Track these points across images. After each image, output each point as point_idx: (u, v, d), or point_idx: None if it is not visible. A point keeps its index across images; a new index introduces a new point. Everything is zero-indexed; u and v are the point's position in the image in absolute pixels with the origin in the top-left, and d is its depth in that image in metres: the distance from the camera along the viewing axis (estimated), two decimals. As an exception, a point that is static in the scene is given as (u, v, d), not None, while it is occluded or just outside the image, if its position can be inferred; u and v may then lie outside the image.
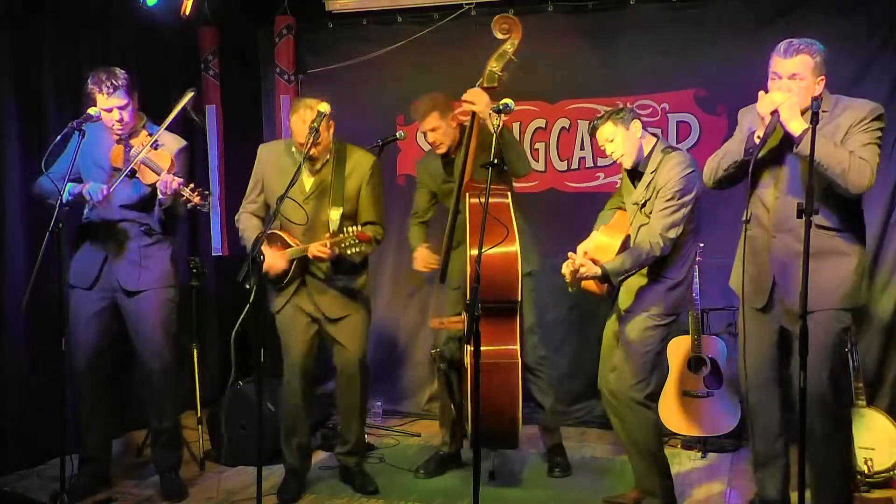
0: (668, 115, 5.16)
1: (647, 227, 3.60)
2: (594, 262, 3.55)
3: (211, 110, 5.67)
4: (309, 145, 3.79)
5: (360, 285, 4.17)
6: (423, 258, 4.55)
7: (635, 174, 3.76)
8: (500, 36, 4.01)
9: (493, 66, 4.01)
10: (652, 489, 3.77)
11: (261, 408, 3.56)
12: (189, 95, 4.08)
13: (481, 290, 3.49)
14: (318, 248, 3.85)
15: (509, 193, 4.12)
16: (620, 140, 3.66)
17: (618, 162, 3.74)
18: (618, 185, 4.06)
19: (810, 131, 3.00)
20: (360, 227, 3.80)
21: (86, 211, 4.11)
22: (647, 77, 5.14)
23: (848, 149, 3.19)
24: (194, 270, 4.87)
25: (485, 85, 4.02)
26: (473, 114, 3.98)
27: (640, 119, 3.71)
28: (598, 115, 3.74)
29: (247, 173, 4.19)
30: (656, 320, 3.67)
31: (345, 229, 3.81)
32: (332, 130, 4.01)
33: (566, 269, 3.59)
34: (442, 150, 4.34)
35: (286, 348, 4.17)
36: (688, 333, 4.77)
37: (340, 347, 4.17)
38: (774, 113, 3.18)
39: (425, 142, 5.21)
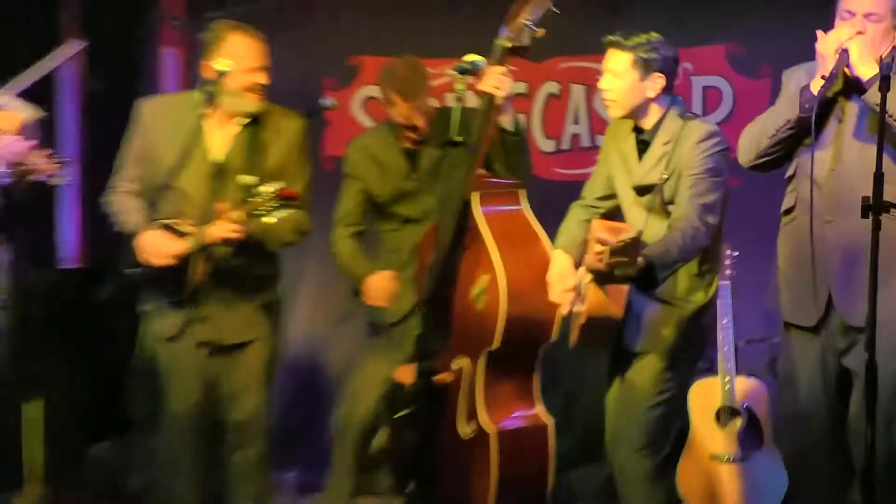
0: (692, 77, 4.60)
1: (677, 210, 3.14)
2: None
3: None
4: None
5: (273, 297, 3.74)
6: (383, 288, 3.82)
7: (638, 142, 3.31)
8: None
9: (525, 17, 3.38)
10: None
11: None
12: (69, 49, 4.13)
13: (509, 323, 3.40)
14: (226, 228, 3.35)
15: (520, 193, 3.61)
16: (626, 84, 3.17)
17: (603, 101, 3.33)
18: (596, 165, 3.54)
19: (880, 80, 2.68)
20: (279, 184, 3.34)
21: None
22: (666, 28, 4.28)
23: None
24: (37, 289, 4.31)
25: (510, 45, 3.38)
26: (491, 97, 3.40)
27: (667, 76, 3.18)
28: (624, 34, 3.19)
29: (113, 154, 3.72)
30: (673, 358, 3.26)
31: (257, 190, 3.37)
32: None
33: (593, 260, 2.92)
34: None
35: (170, 391, 3.66)
36: (714, 374, 4.18)
37: (235, 388, 3.67)
38: (843, 52, 2.90)
39: (365, 114, 4.94)
